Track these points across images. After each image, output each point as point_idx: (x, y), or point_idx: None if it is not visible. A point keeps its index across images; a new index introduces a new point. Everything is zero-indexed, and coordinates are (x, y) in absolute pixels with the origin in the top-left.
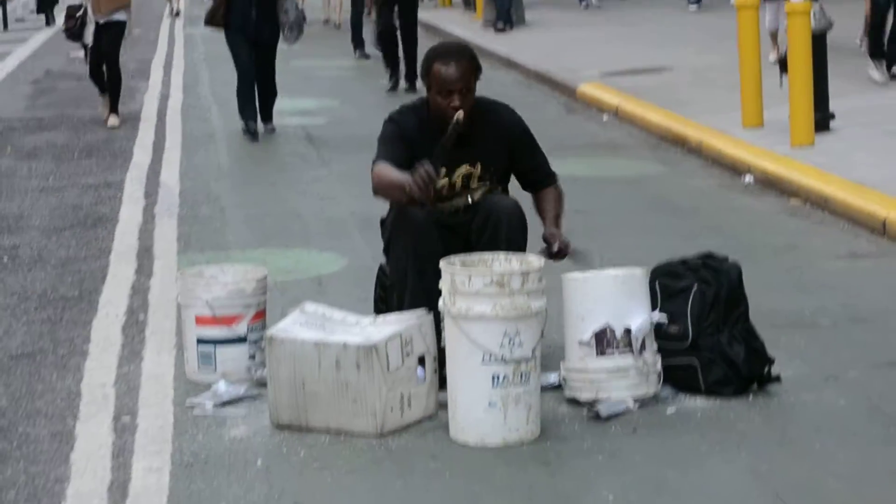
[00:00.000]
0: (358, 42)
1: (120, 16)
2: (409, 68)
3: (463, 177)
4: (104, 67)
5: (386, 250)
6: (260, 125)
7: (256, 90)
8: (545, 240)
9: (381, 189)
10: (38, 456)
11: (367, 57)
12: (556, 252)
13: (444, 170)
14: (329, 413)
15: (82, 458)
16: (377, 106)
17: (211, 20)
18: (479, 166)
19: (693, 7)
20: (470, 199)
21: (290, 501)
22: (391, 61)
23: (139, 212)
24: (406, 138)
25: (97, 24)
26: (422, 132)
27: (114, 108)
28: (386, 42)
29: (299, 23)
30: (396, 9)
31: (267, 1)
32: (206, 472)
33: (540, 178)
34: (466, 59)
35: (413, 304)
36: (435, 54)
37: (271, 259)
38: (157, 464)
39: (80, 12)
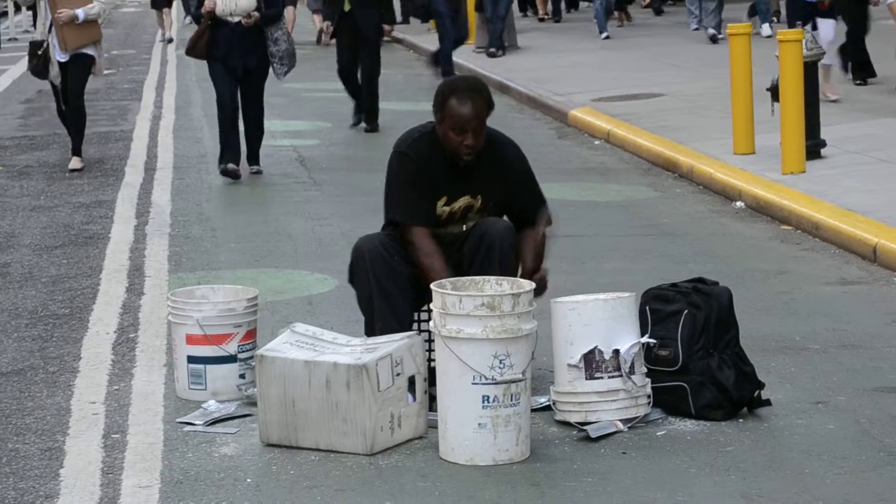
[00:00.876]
0: (436, 60)
1: (88, 50)
2: (370, 110)
3: (463, 208)
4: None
5: (350, 279)
6: (244, 166)
7: (242, 127)
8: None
9: (418, 265)
10: (28, 472)
11: (450, 74)
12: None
13: (444, 198)
14: (319, 432)
15: (72, 475)
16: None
17: (192, 50)
18: (479, 199)
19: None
20: (465, 227)
21: None
22: (354, 95)
23: (130, 231)
24: (422, 169)
25: (60, 63)
26: (432, 160)
27: (76, 150)
28: (345, 80)
29: (291, 54)
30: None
31: (254, 29)
32: (195, 490)
33: (531, 214)
34: (482, 96)
35: (385, 330)
36: (451, 90)
37: (262, 279)
38: (146, 481)
39: (43, 49)
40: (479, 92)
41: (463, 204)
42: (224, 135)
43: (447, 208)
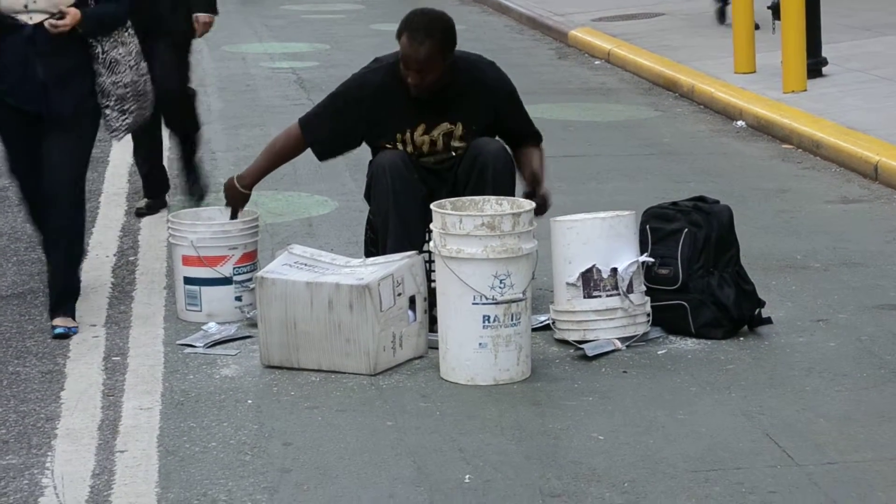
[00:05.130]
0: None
1: None
2: (188, 171)
3: (444, 135)
4: None
5: (367, 195)
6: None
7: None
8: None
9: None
10: (29, 395)
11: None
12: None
13: (423, 126)
14: (321, 353)
15: (73, 397)
16: (368, 50)
17: None
18: (459, 126)
19: None
20: (454, 154)
21: (280, 440)
22: (145, 164)
23: (129, 155)
24: (355, 108)
25: None
26: (384, 92)
27: None
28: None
29: (141, 93)
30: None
31: (72, 41)
32: (196, 411)
33: (523, 137)
34: (434, 38)
35: (396, 247)
36: (407, 24)
37: (262, 201)
38: (147, 403)
39: None
40: (431, 35)
41: (442, 131)
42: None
43: (426, 136)
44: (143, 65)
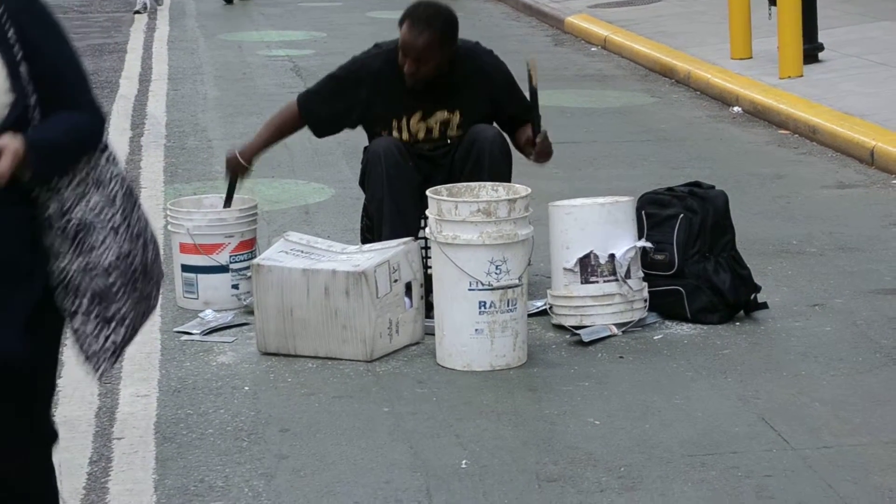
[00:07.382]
0: None
1: None
2: None
3: (441, 123)
4: None
5: (362, 182)
6: None
7: None
8: (528, 141)
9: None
10: None
11: None
12: (541, 143)
13: (419, 113)
14: (318, 340)
15: (69, 385)
16: (365, 38)
17: None
18: (457, 114)
19: None
20: (448, 141)
21: (277, 426)
22: None
23: (126, 143)
24: (352, 90)
25: None
26: (381, 77)
27: None
28: None
29: (134, 271)
30: None
31: (3, 204)
32: (193, 399)
33: (521, 122)
34: (435, 29)
35: (392, 234)
36: (410, 12)
37: (258, 189)
38: (144, 390)
39: None
40: (432, 25)
41: (440, 119)
42: None
43: (422, 124)
44: (139, 215)
